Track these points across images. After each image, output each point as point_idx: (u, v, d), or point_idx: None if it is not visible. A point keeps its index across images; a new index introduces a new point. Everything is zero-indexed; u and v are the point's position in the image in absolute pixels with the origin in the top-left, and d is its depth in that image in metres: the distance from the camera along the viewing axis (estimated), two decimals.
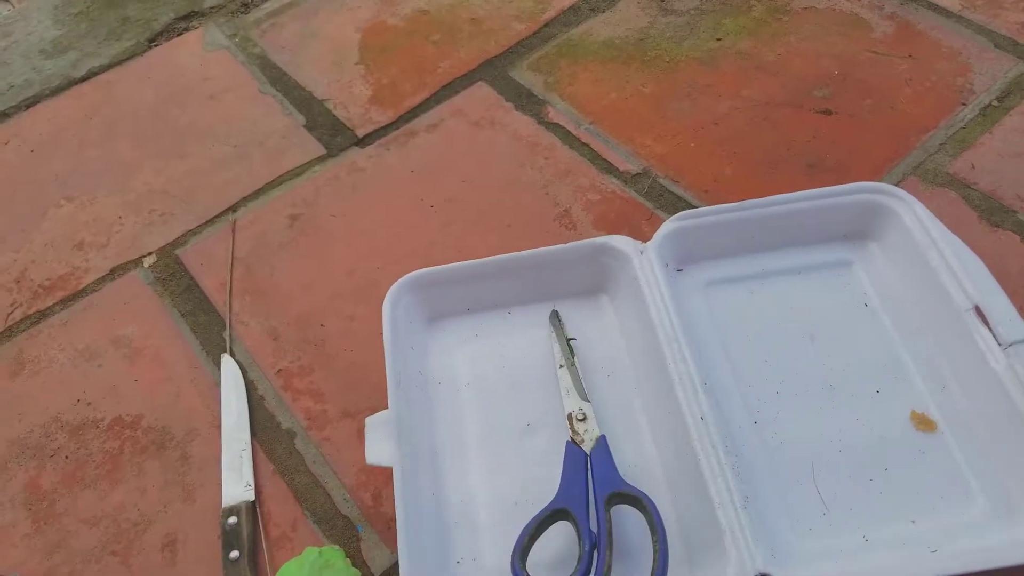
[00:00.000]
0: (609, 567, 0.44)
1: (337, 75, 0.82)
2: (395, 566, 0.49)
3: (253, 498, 0.54)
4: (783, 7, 0.82)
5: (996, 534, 0.47)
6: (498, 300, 0.59)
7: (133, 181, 0.76)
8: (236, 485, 0.55)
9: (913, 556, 0.46)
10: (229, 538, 0.52)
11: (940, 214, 0.57)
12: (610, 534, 0.45)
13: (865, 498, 0.49)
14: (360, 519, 0.53)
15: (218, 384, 0.61)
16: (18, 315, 0.67)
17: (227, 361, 0.61)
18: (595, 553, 0.45)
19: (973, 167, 0.67)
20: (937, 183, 0.66)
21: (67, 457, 0.59)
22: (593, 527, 0.46)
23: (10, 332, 0.66)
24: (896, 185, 0.59)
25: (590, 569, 0.44)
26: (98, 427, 0.60)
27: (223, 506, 0.54)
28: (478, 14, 0.87)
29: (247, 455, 0.56)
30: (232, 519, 0.53)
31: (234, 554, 0.51)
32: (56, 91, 0.85)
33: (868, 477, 0.50)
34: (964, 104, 0.72)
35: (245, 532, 0.52)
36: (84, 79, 0.86)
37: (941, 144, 0.69)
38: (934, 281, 0.54)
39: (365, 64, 0.83)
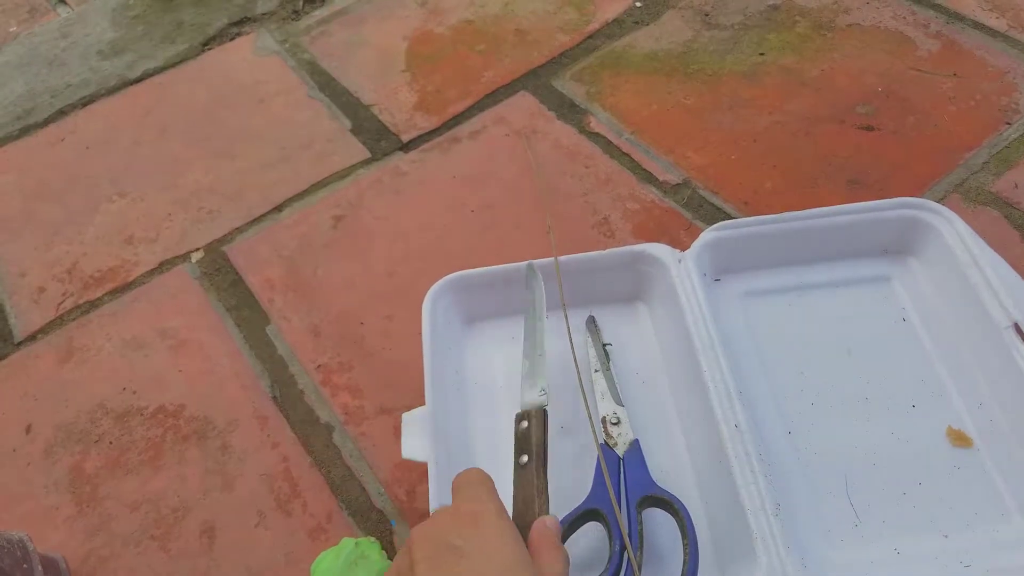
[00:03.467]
0: (639, 568, 0.44)
1: (383, 82, 0.84)
2: None
3: (547, 403, 0.50)
4: (827, 23, 0.83)
5: None
6: None
7: (183, 179, 0.78)
8: (531, 391, 0.51)
9: (945, 570, 0.46)
10: (520, 443, 0.49)
11: (982, 233, 0.56)
12: (641, 536, 0.46)
13: (898, 511, 0.49)
14: (394, 513, 0.54)
15: (259, 376, 0.62)
16: (68, 304, 0.70)
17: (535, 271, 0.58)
18: (625, 554, 0.45)
19: (1016, 186, 0.67)
20: (979, 202, 0.66)
21: (111, 443, 0.60)
22: (626, 530, 0.46)
23: (60, 321, 0.69)
24: (938, 203, 0.58)
25: (620, 569, 0.44)
26: (142, 415, 0.62)
27: (518, 411, 0.51)
28: (523, 25, 0.88)
29: (543, 362, 0.53)
30: (524, 423, 0.49)
31: (523, 459, 0.48)
32: (112, 91, 0.88)
33: (902, 491, 0.50)
34: (1008, 123, 0.71)
35: (534, 437, 0.48)
36: (139, 80, 0.89)
37: (984, 163, 0.68)
38: (973, 298, 0.54)
39: (411, 72, 0.85)
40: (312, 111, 0.83)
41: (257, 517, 0.55)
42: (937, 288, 0.58)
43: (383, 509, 0.55)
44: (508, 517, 0.40)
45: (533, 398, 0.50)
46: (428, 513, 0.47)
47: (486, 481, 0.42)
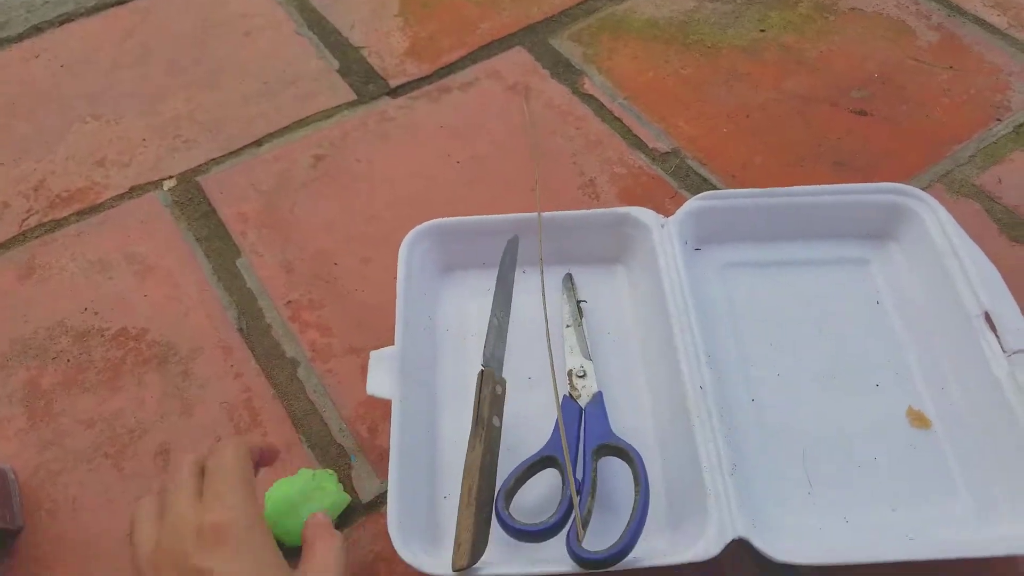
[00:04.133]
0: (590, 512, 0.44)
1: (375, 24, 0.83)
2: (384, 495, 0.50)
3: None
4: (830, 6, 0.82)
5: (975, 532, 0.47)
6: None
7: (161, 106, 0.77)
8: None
9: (890, 540, 0.46)
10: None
11: (962, 224, 0.56)
12: (594, 483, 0.46)
13: (851, 483, 0.49)
14: (354, 449, 0.54)
15: (226, 308, 0.61)
16: (33, 222, 0.68)
17: None
18: (578, 500, 0.45)
19: (1000, 181, 0.67)
20: (962, 193, 0.66)
21: (69, 361, 0.59)
22: (580, 476, 0.46)
23: (24, 237, 0.67)
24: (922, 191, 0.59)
25: (570, 512, 0.44)
26: (103, 336, 0.60)
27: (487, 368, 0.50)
28: None
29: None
30: (499, 388, 0.50)
31: (496, 421, 0.49)
32: (91, 11, 0.86)
33: (856, 464, 0.50)
34: (999, 120, 0.71)
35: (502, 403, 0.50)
36: (121, 2, 0.86)
37: (971, 156, 0.69)
38: (948, 285, 0.54)
39: (404, 16, 0.83)
40: (299, 48, 0.81)
41: (215, 443, 0.54)
42: (913, 274, 0.58)
43: (344, 444, 0.54)
44: (261, 521, 0.39)
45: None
46: (388, 451, 0.47)
47: (239, 468, 0.40)
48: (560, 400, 0.49)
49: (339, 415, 0.55)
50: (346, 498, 0.50)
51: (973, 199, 0.66)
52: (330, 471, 0.51)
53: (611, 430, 0.48)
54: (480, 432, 0.46)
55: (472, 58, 0.79)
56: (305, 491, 0.48)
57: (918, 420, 0.52)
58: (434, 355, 0.56)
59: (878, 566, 0.46)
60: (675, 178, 0.68)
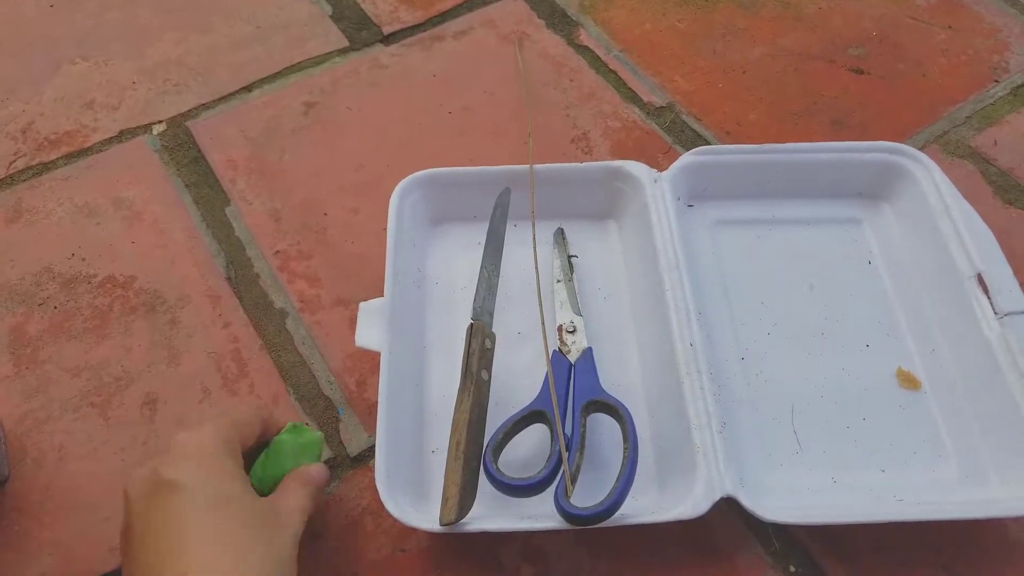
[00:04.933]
0: (578, 468, 0.44)
1: None
2: (371, 449, 0.50)
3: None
4: None
5: (963, 494, 0.47)
6: None
7: (151, 49, 0.75)
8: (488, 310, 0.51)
9: (877, 501, 0.47)
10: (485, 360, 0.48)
11: (956, 185, 0.56)
12: (583, 438, 0.46)
13: (839, 443, 0.50)
14: (342, 402, 0.54)
15: (215, 256, 0.61)
16: (20, 164, 0.67)
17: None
18: (567, 456, 0.45)
19: (996, 143, 0.66)
20: (957, 154, 0.66)
21: (56, 308, 0.59)
22: (569, 432, 0.47)
23: (11, 180, 0.66)
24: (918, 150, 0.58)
25: (558, 468, 0.44)
26: (90, 283, 0.60)
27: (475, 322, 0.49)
28: None
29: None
30: (488, 342, 0.49)
31: (485, 375, 0.48)
32: None
33: (845, 424, 0.50)
34: (997, 81, 0.71)
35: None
36: None
37: (967, 117, 0.68)
38: (941, 246, 0.54)
39: None
40: None
41: (202, 393, 0.54)
42: (907, 236, 0.58)
43: (331, 397, 0.54)
44: (231, 453, 0.41)
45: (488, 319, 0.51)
46: (376, 405, 0.47)
47: (230, 428, 0.43)
48: (550, 355, 0.49)
49: (327, 367, 0.55)
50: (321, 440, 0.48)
51: (968, 160, 0.65)
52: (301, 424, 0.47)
53: (600, 386, 0.48)
54: (469, 386, 0.46)
55: (467, 6, 0.77)
56: (296, 448, 0.48)
57: (908, 381, 0.52)
58: (423, 308, 0.56)
59: (866, 526, 0.47)
60: (669, 133, 0.68)
